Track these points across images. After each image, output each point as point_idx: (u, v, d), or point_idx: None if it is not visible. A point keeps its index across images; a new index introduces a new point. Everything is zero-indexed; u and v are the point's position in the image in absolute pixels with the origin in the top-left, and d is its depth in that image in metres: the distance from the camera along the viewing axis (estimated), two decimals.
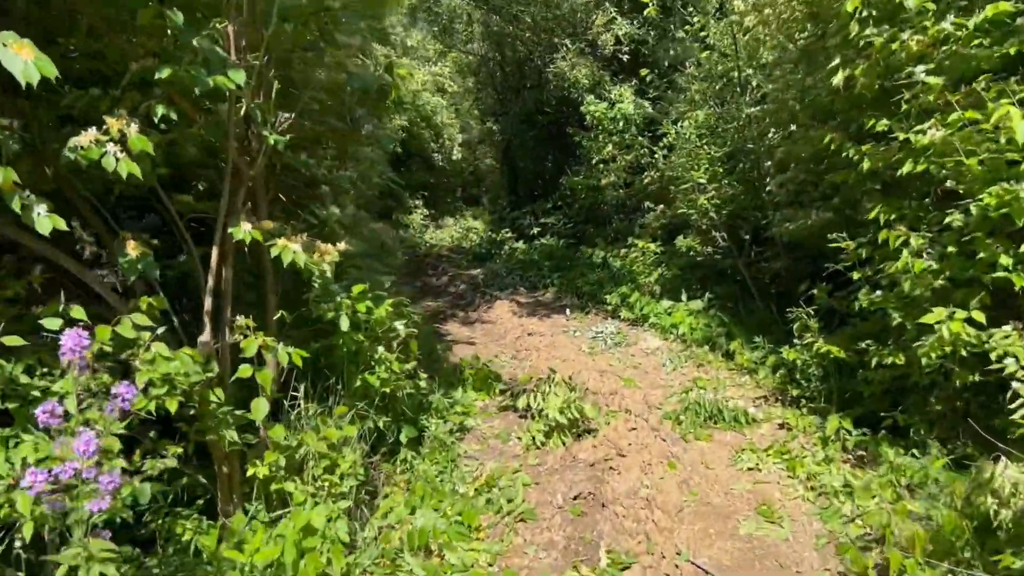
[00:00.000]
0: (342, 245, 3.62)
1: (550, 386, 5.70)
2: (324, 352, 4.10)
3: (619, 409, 5.86)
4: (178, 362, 2.79)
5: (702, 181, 7.43)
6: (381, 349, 4.08)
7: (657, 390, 6.51)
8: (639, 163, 10.64)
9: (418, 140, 22.82)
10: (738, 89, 7.40)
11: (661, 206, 9.28)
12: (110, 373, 2.87)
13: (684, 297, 8.26)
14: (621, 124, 10.65)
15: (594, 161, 10.85)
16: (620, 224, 11.10)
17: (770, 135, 6.95)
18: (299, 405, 3.95)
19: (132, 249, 2.84)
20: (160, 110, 2.73)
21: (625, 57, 10.85)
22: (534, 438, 5.21)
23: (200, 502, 3.67)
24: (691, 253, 7.93)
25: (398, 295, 7.58)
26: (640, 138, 10.47)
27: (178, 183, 3.71)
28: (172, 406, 2.80)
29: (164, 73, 2.59)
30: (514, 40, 12.34)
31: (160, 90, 2.82)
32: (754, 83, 7.09)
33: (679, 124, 8.00)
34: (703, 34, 7.78)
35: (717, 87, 7.72)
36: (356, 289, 3.91)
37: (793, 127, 5.99)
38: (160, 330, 2.93)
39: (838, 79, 4.73)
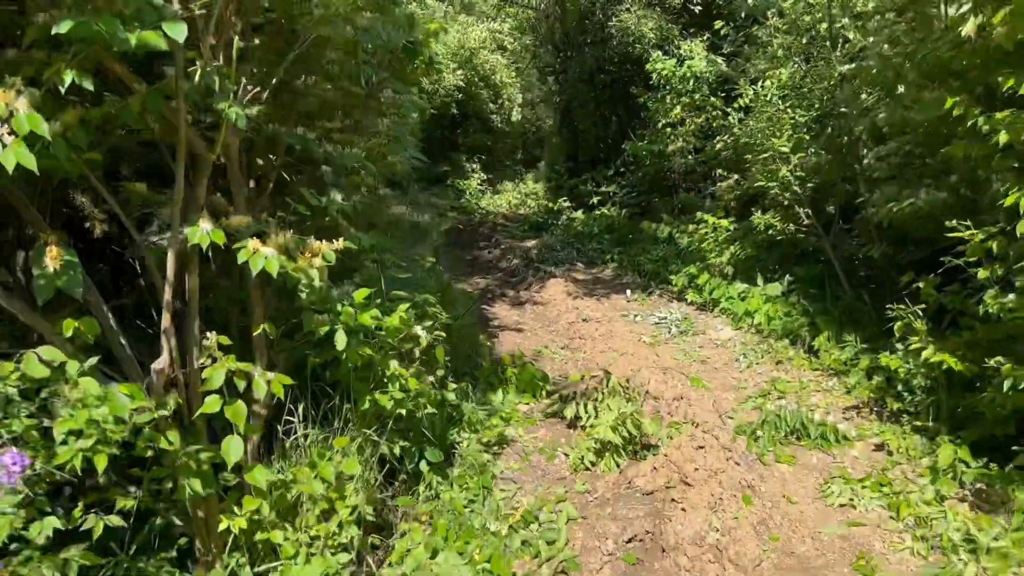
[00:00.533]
0: (339, 243, 2.93)
1: (603, 393, 4.97)
2: (327, 366, 3.44)
3: (684, 420, 5.10)
4: (106, 407, 2.15)
5: (784, 150, 6.49)
6: (394, 364, 3.40)
7: (729, 392, 5.72)
8: (711, 127, 9.67)
9: (476, 101, 22.03)
10: (828, 44, 6.40)
11: (735, 176, 8.33)
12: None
13: (760, 280, 7.38)
14: (691, 83, 9.67)
15: (660, 125, 9.92)
16: (688, 195, 10.17)
17: (864, 97, 5.97)
18: (295, 431, 3.32)
19: (52, 259, 2.20)
20: (69, 76, 2.06)
21: (697, 8, 9.83)
22: (583, 457, 4.50)
23: (182, 541, 3.10)
24: (769, 231, 7.02)
25: (434, 277, 6.95)
26: (712, 99, 9.48)
27: (146, 172, 3.07)
28: (100, 463, 2.18)
29: (64, 27, 1.92)
30: None
31: (78, 50, 2.14)
32: (848, 35, 6.09)
33: (758, 84, 7.03)
34: None
35: (803, 41, 6.72)
36: (359, 295, 3.23)
37: (900, 88, 5.02)
38: (91, 361, 2.30)
39: (969, 27, 3.79)
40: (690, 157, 10.21)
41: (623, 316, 8.08)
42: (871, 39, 5.51)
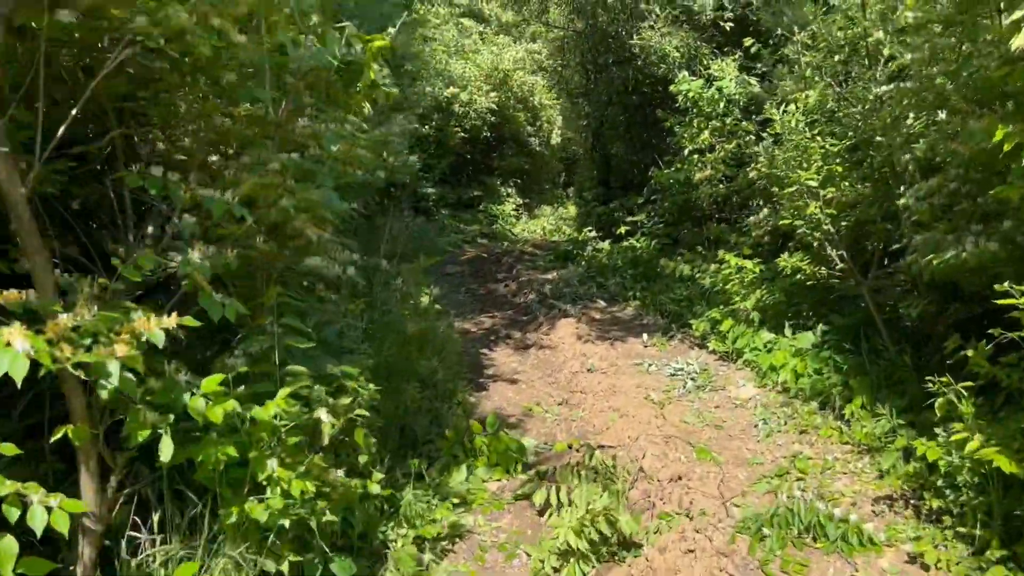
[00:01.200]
0: (171, 320, 2.27)
1: (581, 476, 4.22)
2: (192, 466, 2.78)
3: (679, 509, 4.30)
4: None
5: (812, 183, 5.67)
6: (272, 464, 2.72)
7: (740, 469, 4.91)
8: (743, 153, 8.87)
9: (512, 123, 21.48)
10: (866, 61, 5.59)
11: (767, 208, 7.50)
12: None
13: (789, 331, 6.53)
14: (721, 106, 8.90)
15: (687, 151, 9.13)
16: (718, 227, 9.33)
17: (909, 121, 5.14)
18: (142, 549, 2.66)
19: None
20: None
21: (728, 25, 9.05)
22: (544, 561, 3.74)
23: None
24: (798, 275, 6.20)
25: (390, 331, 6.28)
26: (744, 123, 8.69)
27: None
28: None
29: None
30: (594, 6, 10.68)
31: None
32: (887, 52, 5.27)
33: (783, 108, 6.23)
34: None
35: (836, 59, 5.91)
36: (208, 383, 2.55)
37: (942, 114, 4.21)
38: None
39: (1020, 41, 3.00)
40: (721, 186, 9.38)
41: (636, 365, 7.30)
42: (910, 56, 4.69)
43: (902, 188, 5.14)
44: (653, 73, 9.90)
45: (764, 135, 7.31)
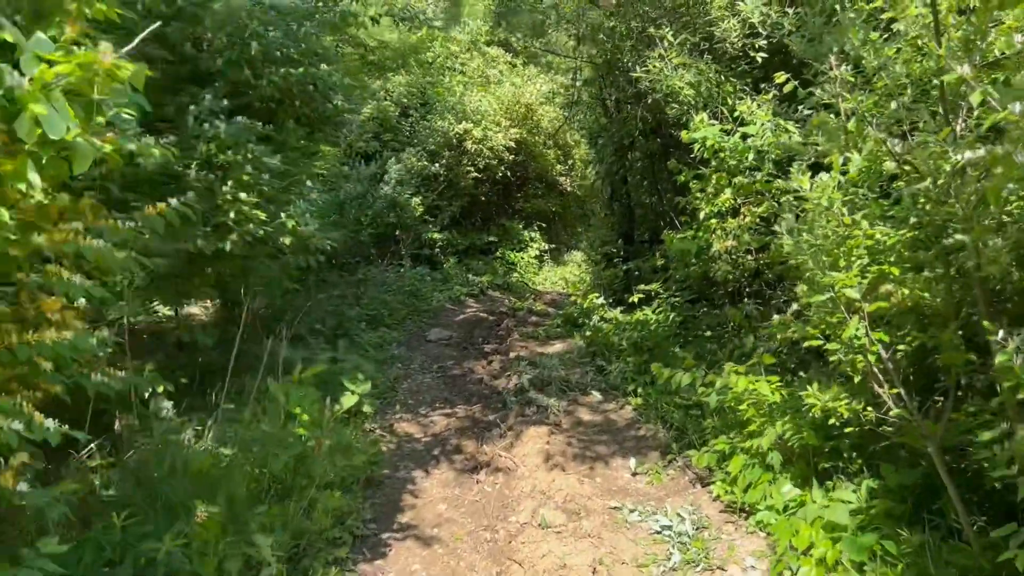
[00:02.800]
0: None
1: None
2: None
3: None
4: None
5: (853, 294, 3.78)
6: None
7: None
8: (775, 217, 7.00)
9: (539, 161, 19.80)
10: (940, 110, 3.71)
11: (796, 304, 5.59)
12: None
13: (819, 493, 4.59)
14: (750, 158, 7.03)
15: (702, 215, 7.26)
16: (738, 314, 7.41)
17: (1013, 207, 3.26)
18: None
19: None
20: None
21: (760, 55, 7.19)
22: None
23: None
24: (830, 419, 4.29)
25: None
26: (780, 180, 6.81)
27: None
28: None
29: None
30: (593, 31, 8.90)
31: None
32: (975, 98, 3.37)
33: (815, 175, 4.34)
34: (886, 14, 4.16)
35: (895, 105, 4.03)
36: None
37: None
38: None
39: None
40: (749, 257, 7.47)
41: (613, 510, 5.45)
42: (1018, 107, 2.82)
43: (990, 307, 3.23)
44: (662, 113, 8.08)
45: (794, 202, 5.43)
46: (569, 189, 21.55)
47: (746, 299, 8.20)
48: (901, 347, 4.06)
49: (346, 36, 10.47)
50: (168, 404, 5.65)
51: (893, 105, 3.92)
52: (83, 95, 2.57)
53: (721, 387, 5.58)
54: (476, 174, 17.08)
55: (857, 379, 4.13)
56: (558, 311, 13.45)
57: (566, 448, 6.58)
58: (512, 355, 9.92)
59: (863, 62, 4.08)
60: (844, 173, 4.21)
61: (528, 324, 12.46)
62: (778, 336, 5.82)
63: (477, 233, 18.21)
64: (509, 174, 18.25)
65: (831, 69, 4.29)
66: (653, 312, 9.67)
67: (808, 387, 4.46)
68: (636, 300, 9.91)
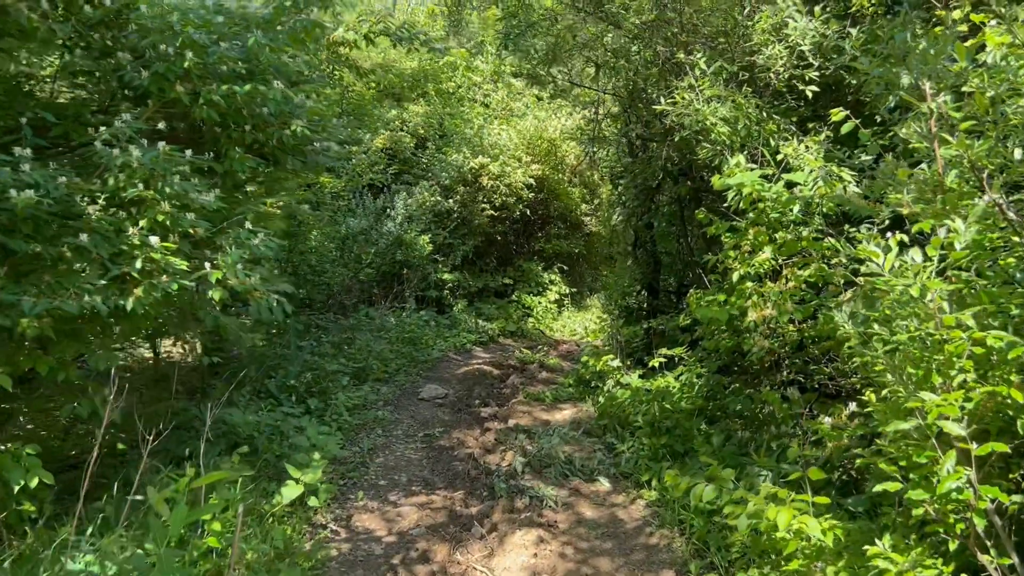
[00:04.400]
0: None
1: None
2: None
3: None
4: None
5: (958, 430, 2.56)
6: None
7: None
8: (823, 283, 5.89)
9: (562, 199, 18.69)
10: None
11: (854, 403, 4.39)
12: None
13: None
14: (795, 211, 5.89)
15: (735, 277, 6.06)
16: (775, 397, 6.16)
17: None
18: None
19: None
20: None
21: (809, 90, 6.03)
22: None
23: None
24: None
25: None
26: (832, 240, 5.68)
27: None
28: None
29: None
30: (614, 56, 7.75)
31: None
32: None
33: (899, 253, 3.14)
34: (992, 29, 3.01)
35: (1013, 149, 2.83)
36: None
37: None
38: None
39: None
40: (791, 327, 6.24)
41: None
42: None
43: None
44: (689, 153, 6.93)
45: (856, 274, 4.25)
46: (594, 229, 20.41)
47: (785, 372, 6.96)
48: (1017, 500, 2.83)
49: (342, 59, 9.49)
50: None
51: (1019, 154, 2.72)
52: None
53: (754, 511, 4.32)
54: (492, 211, 16.00)
55: (953, 545, 2.88)
56: (573, 365, 12.24)
57: (558, 563, 5.34)
58: (512, 422, 8.71)
59: (975, 89, 2.88)
60: (943, 248, 3.00)
61: (537, 381, 11.24)
62: (829, 444, 4.59)
63: (492, 274, 17.09)
64: (529, 212, 17.16)
65: (923, 100, 3.09)
66: (675, 379, 8.43)
67: (878, 540, 3.22)
68: (657, 364, 8.68)
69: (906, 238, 3.27)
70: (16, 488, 4.26)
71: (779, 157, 6.27)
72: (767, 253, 5.98)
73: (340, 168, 13.23)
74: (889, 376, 2.91)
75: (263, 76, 5.44)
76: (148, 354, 9.06)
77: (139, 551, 3.83)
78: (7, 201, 3.96)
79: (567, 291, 18.59)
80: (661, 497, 6.41)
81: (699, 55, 6.31)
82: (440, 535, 5.76)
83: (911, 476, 2.97)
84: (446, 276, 15.39)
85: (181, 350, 9.01)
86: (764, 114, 6.31)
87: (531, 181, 16.38)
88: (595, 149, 11.97)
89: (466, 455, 7.67)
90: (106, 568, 3.81)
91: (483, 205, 15.92)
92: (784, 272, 6.08)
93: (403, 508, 6.24)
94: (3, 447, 4.48)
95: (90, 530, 4.36)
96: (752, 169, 5.98)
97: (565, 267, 18.98)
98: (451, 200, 15.80)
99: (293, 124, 5.43)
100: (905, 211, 3.15)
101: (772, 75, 6.18)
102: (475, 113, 18.01)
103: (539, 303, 17.13)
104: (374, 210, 14.40)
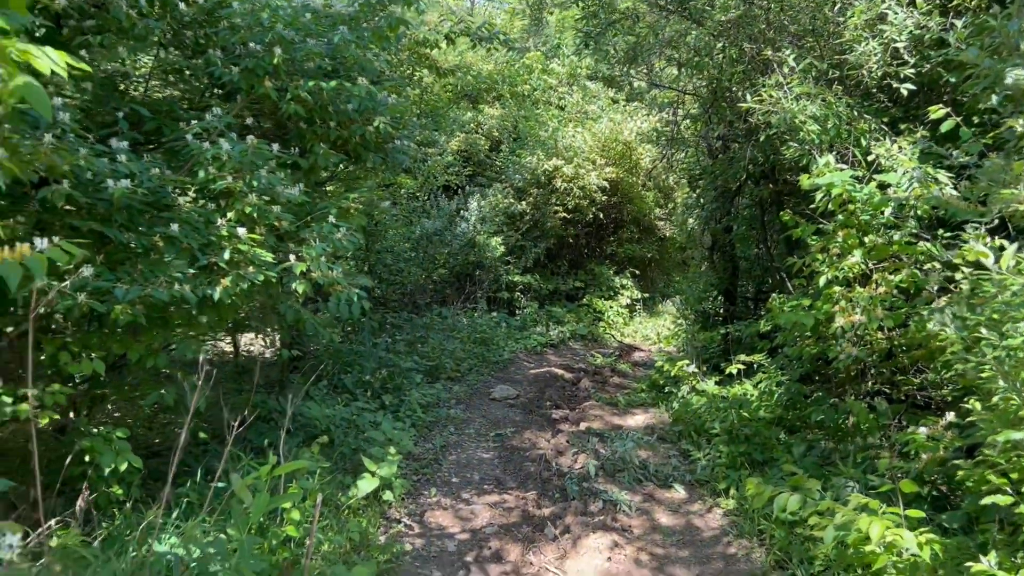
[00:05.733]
0: None
1: None
2: None
3: None
4: None
5: None
6: None
7: None
8: (916, 288, 5.66)
9: (636, 203, 18.50)
10: None
11: (952, 413, 4.18)
12: None
13: None
14: (887, 213, 5.68)
15: (822, 281, 5.87)
16: (860, 407, 5.93)
17: None
18: None
19: None
20: None
21: (904, 88, 5.80)
22: None
23: None
24: None
25: None
26: (927, 244, 5.48)
27: None
28: None
29: None
30: (699, 53, 7.58)
31: None
32: None
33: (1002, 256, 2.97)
34: None
35: None
36: None
37: None
38: None
39: None
40: (880, 335, 6.01)
41: None
42: None
43: None
44: (775, 153, 6.74)
45: (951, 280, 4.05)
46: (668, 234, 20.14)
47: (871, 382, 6.71)
48: None
49: (424, 59, 9.58)
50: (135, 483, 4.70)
51: None
52: None
53: (842, 523, 4.15)
54: (565, 214, 15.95)
55: None
56: (646, 371, 12.08)
57: (632, 569, 5.25)
58: (584, 425, 8.62)
59: None
60: None
61: (609, 386, 11.13)
62: (923, 456, 4.39)
63: (563, 277, 17.02)
64: (602, 215, 17.04)
65: None
66: (754, 387, 8.23)
67: (982, 556, 3.05)
68: (735, 371, 8.48)
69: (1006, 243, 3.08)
70: (107, 471, 4.39)
71: (870, 158, 6.05)
72: (856, 257, 5.77)
73: (416, 169, 13.38)
74: (1000, 383, 2.74)
75: (348, 73, 5.52)
76: (228, 348, 9.29)
77: (221, 536, 3.90)
78: (104, 191, 4.09)
79: (639, 296, 18.38)
80: (739, 506, 6.25)
81: (787, 52, 6.14)
82: (513, 535, 5.73)
83: (1023, 489, 2.80)
84: (517, 278, 15.40)
85: (262, 344, 9.21)
86: (855, 113, 6.09)
87: (605, 184, 16.26)
88: (672, 151, 11.75)
89: (538, 456, 7.62)
90: (190, 551, 3.89)
91: (556, 208, 15.88)
92: (874, 277, 5.86)
93: (475, 506, 6.23)
94: (95, 430, 4.63)
95: (175, 514, 4.47)
96: (842, 169, 5.78)
97: (637, 272, 18.79)
98: (524, 202, 15.80)
99: (376, 120, 5.48)
100: (1022, 207, 2.98)
101: (864, 72, 5.96)
102: (550, 116, 17.98)
103: (610, 307, 16.99)
104: (448, 211, 14.50)
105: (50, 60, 2.61)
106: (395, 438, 6.66)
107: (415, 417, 8.08)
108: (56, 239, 2.52)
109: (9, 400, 3.94)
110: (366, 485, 5.37)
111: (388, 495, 5.74)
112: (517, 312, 15.11)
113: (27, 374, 3.60)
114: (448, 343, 11.28)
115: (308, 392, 7.25)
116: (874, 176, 5.86)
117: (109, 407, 6.51)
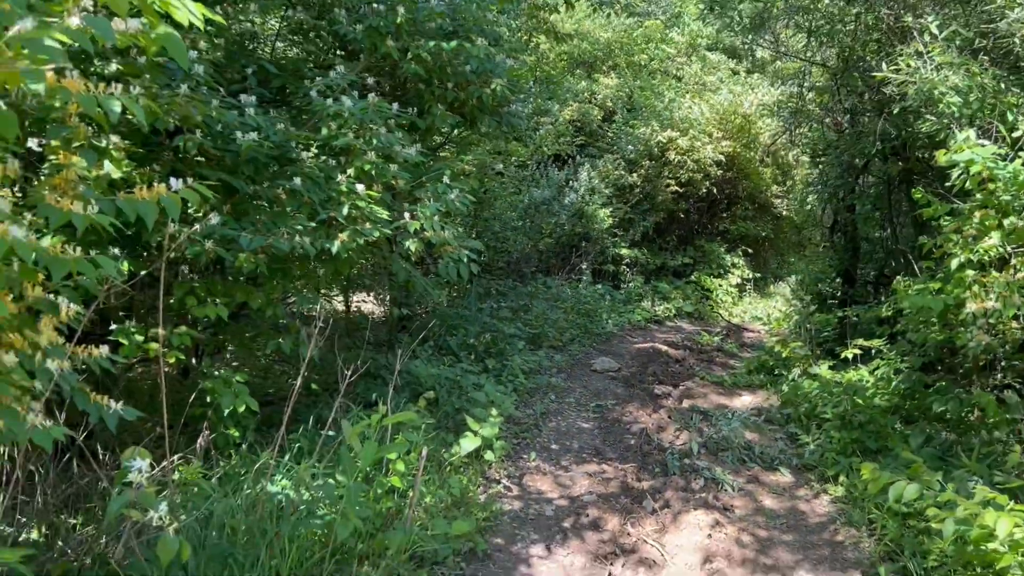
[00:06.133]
0: None
1: None
2: None
3: None
4: None
5: None
6: None
7: None
8: None
9: (752, 179, 17.94)
10: None
11: None
12: None
13: None
14: None
15: (954, 264, 5.54)
16: (989, 399, 5.59)
17: None
18: None
19: None
20: None
21: None
22: None
23: None
24: None
25: None
26: None
27: None
28: None
29: None
30: (832, 20, 7.18)
31: None
32: None
33: None
34: None
35: None
36: None
37: None
38: None
39: None
40: (1014, 324, 5.65)
41: None
42: None
43: None
44: (909, 127, 6.35)
45: None
46: (785, 213, 19.45)
47: (1001, 374, 6.33)
48: None
49: (541, 24, 9.51)
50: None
51: None
52: None
53: (964, 516, 3.93)
54: (677, 188, 15.64)
55: None
56: (754, 352, 11.77)
57: (733, 548, 5.15)
58: (687, 403, 8.49)
59: None
60: None
61: (714, 365, 10.91)
62: None
63: (671, 253, 16.73)
64: (715, 191, 16.61)
65: None
66: (870, 373, 7.89)
67: None
68: (850, 356, 8.15)
69: None
70: (226, 412, 4.62)
71: (1016, 134, 5.65)
72: (994, 239, 5.42)
73: (527, 137, 13.38)
74: None
75: (467, 34, 5.53)
76: (340, 307, 9.61)
77: (330, 481, 4.05)
78: (233, 143, 4.26)
79: (750, 275, 17.88)
80: (848, 493, 6.02)
81: (929, 18, 5.77)
82: (611, 505, 5.72)
83: None
84: (624, 251, 15.24)
85: (373, 303, 9.48)
86: (1001, 86, 5.68)
87: (720, 158, 15.83)
88: (796, 125, 11.29)
89: (639, 430, 7.56)
90: (300, 494, 4.06)
91: (668, 181, 15.58)
92: (1013, 262, 5.50)
93: (574, 474, 6.25)
94: (215, 373, 4.87)
95: (287, 458, 4.68)
96: (983, 146, 5.41)
97: (749, 250, 18.25)
98: (635, 174, 15.58)
99: (494, 83, 5.49)
100: None
101: (1016, 41, 5.54)
102: (667, 86, 17.59)
103: (719, 286, 16.60)
104: (557, 181, 14.45)
105: (188, 11, 2.72)
106: (497, 400, 6.75)
107: (516, 382, 8.15)
108: (189, 180, 2.63)
109: (140, 338, 4.19)
110: (468, 443, 5.46)
111: (489, 455, 5.83)
112: (622, 286, 14.98)
113: (157, 317, 3.82)
114: (551, 312, 11.31)
115: (414, 351, 7.42)
116: (1019, 154, 5.47)
117: (227, 355, 6.85)
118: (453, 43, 5.18)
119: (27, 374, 2.33)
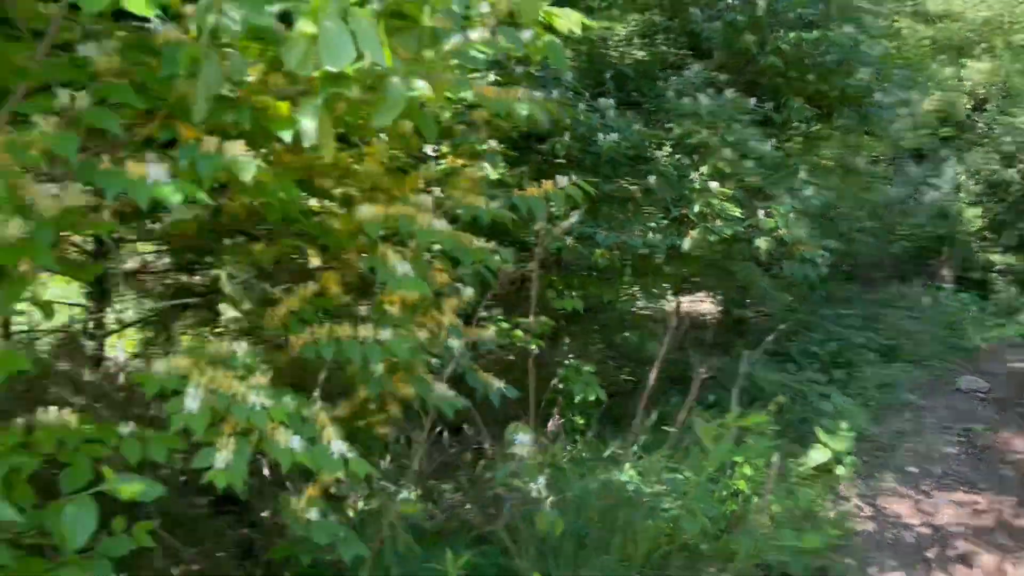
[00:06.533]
0: None
1: None
2: None
3: None
4: None
5: None
6: None
7: None
8: None
9: None
10: None
11: None
12: None
13: None
14: None
15: None
16: None
17: None
18: None
19: None
20: None
21: None
22: None
23: None
24: None
25: None
26: None
27: None
28: None
29: None
30: None
31: None
32: None
33: None
34: None
35: None
36: None
37: None
38: None
39: None
40: None
41: None
42: None
43: None
44: None
45: None
46: None
47: None
48: None
49: (904, 5, 8.70)
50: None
51: None
52: (411, 20, 1.90)
53: None
54: None
55: None
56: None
57: None
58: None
59: None
60: None
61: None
62: None
63: None
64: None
65: None
66: None
67: None
68: None
69: None
70: (576, 399, 4.87)
71: None
72: None
73: (881, 130, 12.35)
74: None
75: (827, 22, 5.26)
76: (671, 307, 9.66)
77: (678, 476, 4.09)
78: (593, 144, 4.47)
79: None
80: None
81: None
82: (985, 540, 5.08)
83: None
84: (995, 257, 13.45)
85: (711, 303, 9.41)
86: None
87: None
88: None
89: (1017, 460, 6.63)
90: (647, 485, 4.15)
91: None
92: None
93: (937, 501, 5.65)
94: (566, 361, 5.16)
95: (634, 448, 4.81)
96: None
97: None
98: (1012, 170, 13.65)
99: (859, 72, 5.16)
100: None
101: None
102: None
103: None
104: (916, 178, 13.16)
105: (568, 21, 2.91)
106: (847, 413, 6.33)
107: (867, 396, 7.58)
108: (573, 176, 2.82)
109: (507, 327, 4.57)
110: (818, 455, 5.21)
111: (840, 470, 5.49)
112: (992, 296, 13.23)
113: (520, 307, 4.15)
114: (907, 323, 10.33)
115: (749, 355, 7.23)
116: None
117: (564, 347, 7.22)
118: (815, 33, 4.95)
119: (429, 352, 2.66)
